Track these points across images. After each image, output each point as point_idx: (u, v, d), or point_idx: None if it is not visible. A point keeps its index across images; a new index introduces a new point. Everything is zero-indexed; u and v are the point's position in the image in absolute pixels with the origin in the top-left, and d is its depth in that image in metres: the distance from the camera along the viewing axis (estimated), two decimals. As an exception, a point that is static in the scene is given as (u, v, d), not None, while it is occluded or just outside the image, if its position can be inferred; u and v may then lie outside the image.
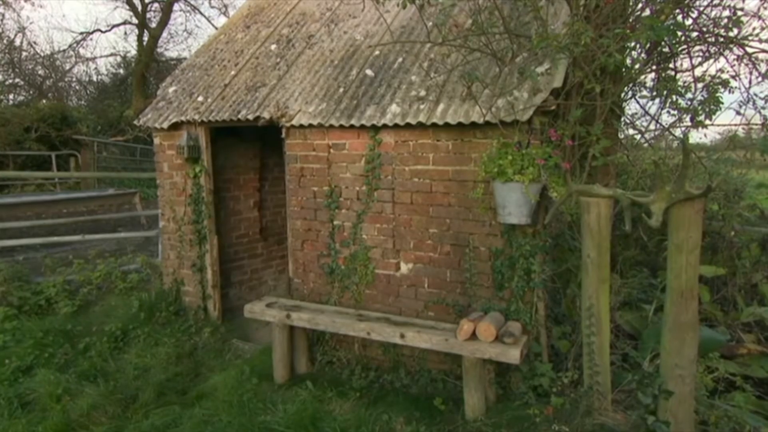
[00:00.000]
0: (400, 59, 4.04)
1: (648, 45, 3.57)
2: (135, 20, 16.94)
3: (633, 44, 3.68)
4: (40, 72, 18.08)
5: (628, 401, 2.99)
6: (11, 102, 16.87)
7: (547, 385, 3.14)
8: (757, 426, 2.76)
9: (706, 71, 3.49)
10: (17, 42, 17.13)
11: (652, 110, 4.10)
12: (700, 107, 3.27)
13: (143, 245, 7.39)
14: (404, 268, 3.77)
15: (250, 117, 4.20)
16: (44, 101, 16.15)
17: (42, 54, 18.00)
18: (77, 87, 19.47)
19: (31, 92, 17.68)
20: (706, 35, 3.42)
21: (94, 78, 19.64)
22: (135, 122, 5.19)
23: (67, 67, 18.59)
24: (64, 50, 18.13)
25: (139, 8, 16.43)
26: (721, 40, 3.34)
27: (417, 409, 3.29)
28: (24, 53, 17.53)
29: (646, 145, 4.50)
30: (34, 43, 22.46)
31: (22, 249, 6.78)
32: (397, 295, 3.82)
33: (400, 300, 3.81)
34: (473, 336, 3.17)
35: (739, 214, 4.73)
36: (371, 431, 3.05)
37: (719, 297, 4.14)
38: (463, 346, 3.17)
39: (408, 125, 3.53)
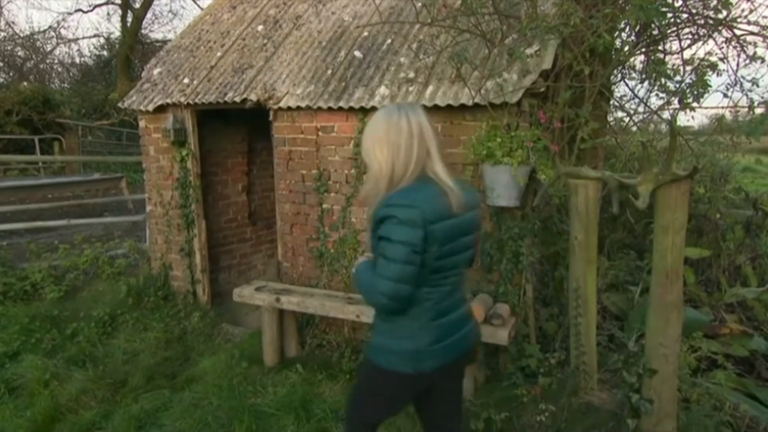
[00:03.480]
0: (389, 40, 3.99)
1: (637, 27, 3.56)
2: (118, 0, 16.52)
3: (623, 26, 3.66)
4: (19, 53, 17.61)
5: (613, 380, 3.04)
6: (-10, 84, 16.46)
7: (535, 366, 3.18)
8: (736, 402, 2.83)
9: (694, 54, 3.49)
10: (-5, 22, 16.67)
11: (641, 93, 4.10)
12: (688, 90, 3.28)
13: (130, 230, 7.31)
14: (393, 251, 3.77)
15: (237, 99, 4.14)
16: (25, 83, 15.74)
17: (21, 34, 17.53)
18: (59, 69, 19.00)
19: (10, 74, 17.23)
20: (696, 17, 3.42)
21: (77, 60, 19.17)
22: (120, 105, 5.09)
23: (49, 49, 18.14)
24: (44, 31, 17.67)
25: (122, -12, 16.02)
26: (710, 22, 3.34)
27: (406, 391, 3.32)
28: (2, 33, 17.06)
29: (634, 128, 4.52)
30: (13, 23, 21.85)
31: (5, 234, 6.66)
32: (387, 278, 3.82)
33: (390, 283, 3.81)
34: (462, 318, 3.19)
35: (725, 197, 4.80)
36: (361, 412, 3.08)
37: (704, 278, 4.21)
38: (451, 328, 3.19)
39: (397, 107, 3.49)
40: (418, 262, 1.68)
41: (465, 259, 1.88)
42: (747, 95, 3.40)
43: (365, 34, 4.17)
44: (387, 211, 1.69)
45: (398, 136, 1.75)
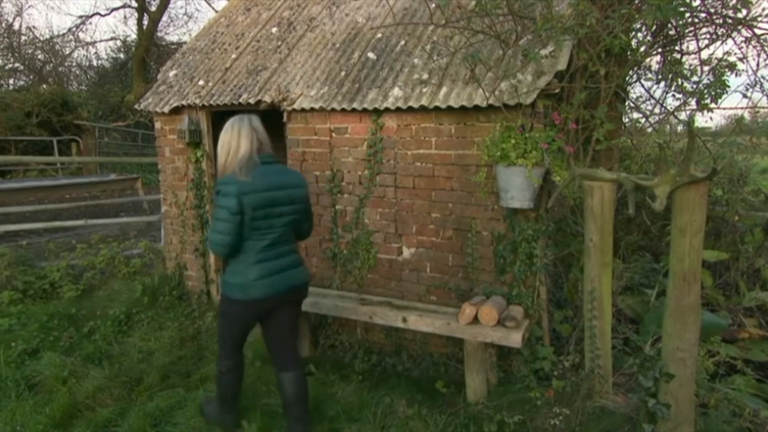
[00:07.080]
0: (403, 42, 3.99)
1: (654, 27, 3.52)
2: (134, 4, 16.75)
3: (639, 26, 3.62)
4: (39, 56, 17.96)
5: (629, 384, 3.01)
6: (11, 87, 16.80)
7: (549, 369, 3.16)
8: (756, 408, 2.78)
9: (712, 54, 3.44)
10: (16, 26, 17.03)
11: (657, 94, 4.06)
12: (705, 91, 3.23)
13: (145, 230, 7.41)
14: (406, 252, 3.77)
15: (252, 101, 4.17)
16: (44, 86, 16.06)
17: (41, 38, 17.88)
18: (77, 72, 19.36)
19: (31, 77, 17.57)
20: (714, 16, 3.37)
21: (94, 62, 19.52)
22: (136, 106, 5.16)
23: (67, 52, 18.47)
24: (63, 34, 18.03)
25: (139, -9, 16.24)
26: (729, 21, 3.29)
27: (419, 392, 3.32)
28: (23, 37, 17.41)
29: (650, 129, 4.46)
30: (33, 27, 22.32)
31: (25, 234, 6.80)
32: (400, 279, 3.82)
33: (402, 284, 3.82)
34: (475, 320, 3.18)
35: (743, 198, 4.71)
36: (373, 413, 3.08)
37: (721, 282, 4.14)
38: (464, 330, 3.19)
39: (410, 109, 3.50)
40: (235, 221, 2.48)
41: (283, 222, 2.61)
42: (767, 96, 3.34)
43: (379, 35, 4.18)
44: (216, 187, 2.53)
45: (229, 138, 2.58)
